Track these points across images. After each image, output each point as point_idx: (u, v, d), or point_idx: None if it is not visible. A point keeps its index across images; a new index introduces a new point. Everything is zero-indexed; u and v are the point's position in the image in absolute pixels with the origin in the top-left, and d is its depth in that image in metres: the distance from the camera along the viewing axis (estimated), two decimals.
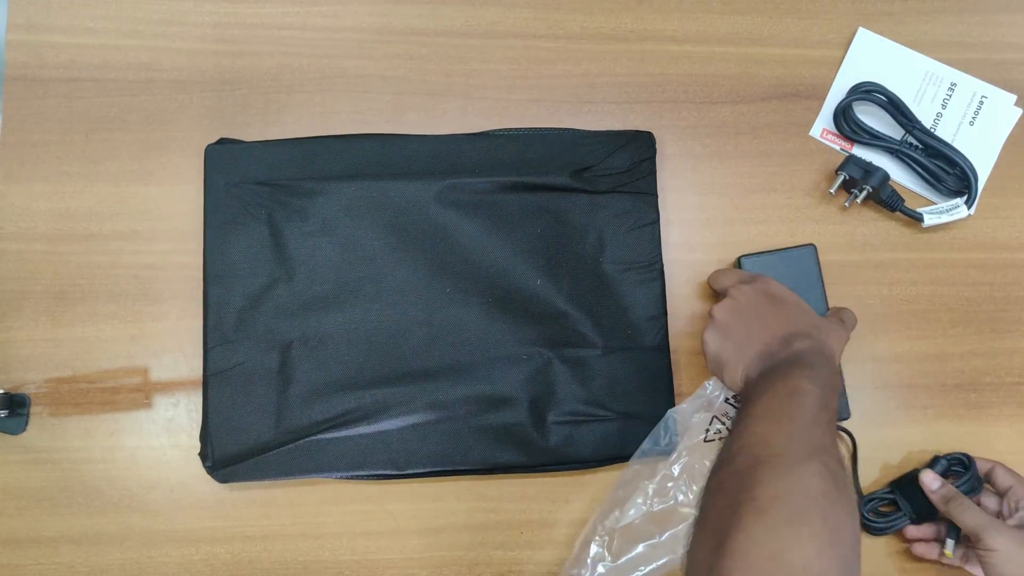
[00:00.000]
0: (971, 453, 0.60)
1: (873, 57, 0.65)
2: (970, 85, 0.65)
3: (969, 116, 0.64)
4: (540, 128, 0.62)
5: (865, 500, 0.59)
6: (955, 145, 0.63)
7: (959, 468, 0.58)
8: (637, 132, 0.62)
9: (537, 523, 0.59)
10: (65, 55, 0.62)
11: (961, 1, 0.67)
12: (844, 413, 0.58)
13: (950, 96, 0.64)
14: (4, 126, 0.61)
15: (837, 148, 0.64)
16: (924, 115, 0.64)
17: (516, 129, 0.62)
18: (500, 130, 0.62)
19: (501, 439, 0.57)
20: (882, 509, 0.59)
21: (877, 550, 0.60)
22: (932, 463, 0.58)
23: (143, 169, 0.61)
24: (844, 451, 0.60)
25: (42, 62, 0.62)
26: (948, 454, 0.58)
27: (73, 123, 0.62)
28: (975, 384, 0.62)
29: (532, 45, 0.65)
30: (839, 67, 0.65)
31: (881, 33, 0.66)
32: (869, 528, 0.59)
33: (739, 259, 0.60)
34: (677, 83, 0.65)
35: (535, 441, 0.57)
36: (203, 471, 0.57)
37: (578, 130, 0.62)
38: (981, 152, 0.64)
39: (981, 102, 0.65)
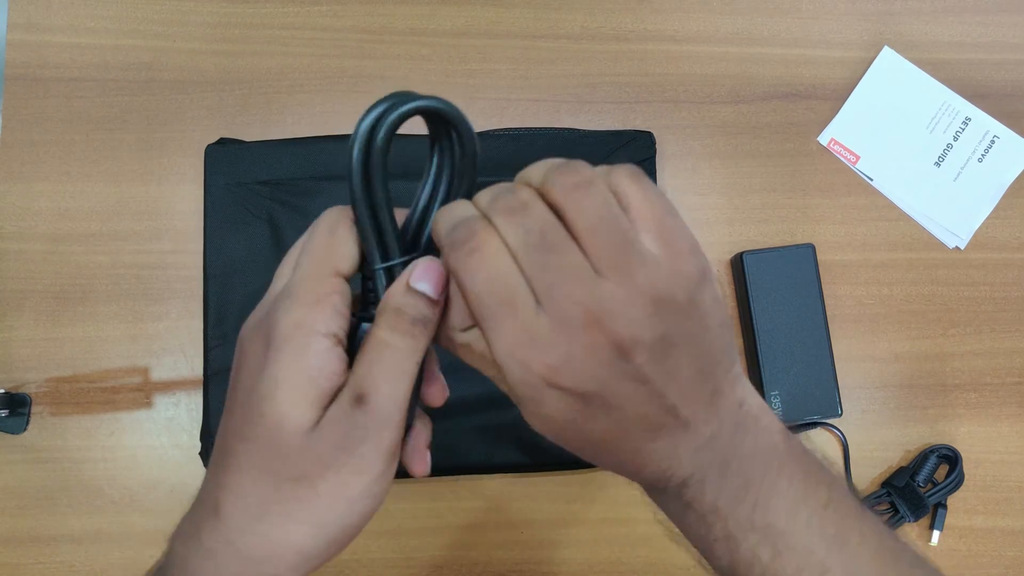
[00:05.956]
0: (971, 453, 0.60)
1: (893, 78, 0.65)
2: (984, 123, 0.65)
3: (979, 153, 0.64)
4: (540, 128, 0.62)
5: (862, 503, 0.59)
6: (960, 180, 0.63)
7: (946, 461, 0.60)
8: (637, 132, 0.62)
9: (537, 523, 0.59)
10: (65, 55, 0.62)
11: (961, 1, 0.67)
12: (835, 411, 0.58)
13: (963, 130, 0.64)
14: (4, 126, 0.61)
15: (843, 160, 0.64)
16: (935, 145, 0.64)
17: (516, 129, 0.62)
18: (500, 130, 0.62)
19: (501, 439, 0.57)
20: (879, 509, 0.60)
21: None
22: (924, 458, 0.59)
23: (143, 169, 0.61)
24: (837, 449, 0.60)
25: (42, 62, 0.62)
26: (938, 445, 0.60)
27: (73, 123, 0.62)
28: (975, 384, 0.62)
29: (532, 45, 0.65)
30: (846, 72, 0.65)
31: (881, 33, 0.66)
32: None
33: (741, 255, 0.60)
34: (677, 83, 0.65)
35: (535, 441, 0.57)
36: (204, 471, 0.56)
37: (578, 130, 0.62)
38: (983, 191, 0.64)
39: (992, 141, 0.64)
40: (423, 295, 0.29)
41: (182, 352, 0.60)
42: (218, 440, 0.31)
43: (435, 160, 0.31)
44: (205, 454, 0.56)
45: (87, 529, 0.57)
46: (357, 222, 0.30)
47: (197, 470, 0.57)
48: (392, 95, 0.29)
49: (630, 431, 0.28)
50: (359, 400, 0.28)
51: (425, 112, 0.29)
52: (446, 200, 0.31)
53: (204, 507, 0.30)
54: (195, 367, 0.59)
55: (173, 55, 0.63)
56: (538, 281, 0.27)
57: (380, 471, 0.29)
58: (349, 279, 0.30)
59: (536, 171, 0.30)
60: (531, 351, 0.26)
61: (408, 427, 0.32)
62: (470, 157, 0.31)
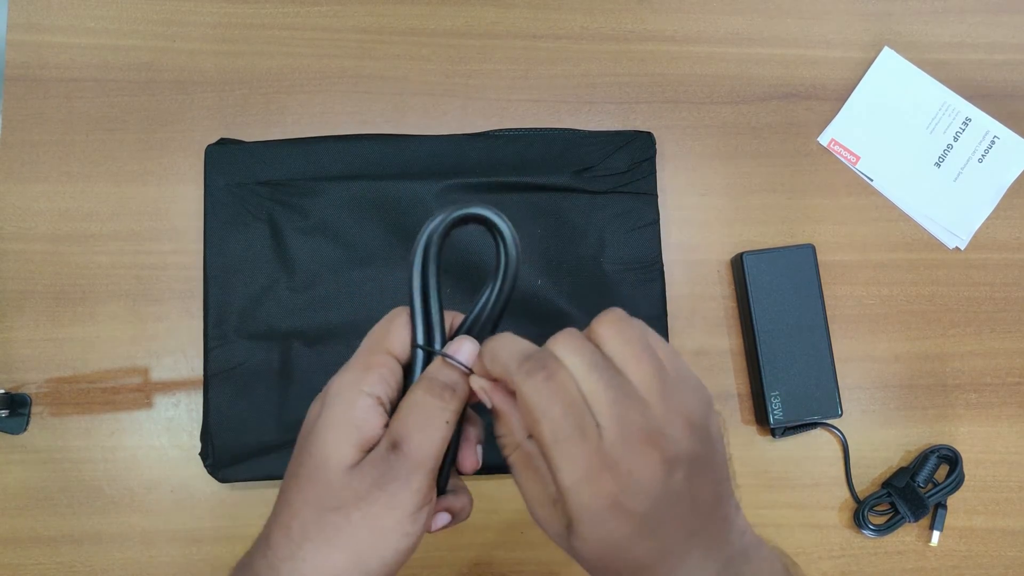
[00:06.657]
0: (971, 454, 0.60)
1: (893, 78, 0.65)
2: (984, 123, 0.65)
3: (979, 153, 0.64)
4: (540, 128, 0.62)
5: (862, 503, 0.59)
6: (960, 180, 0.63)
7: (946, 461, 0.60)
8: (637, 132, 0.62)
9: None
10: (65, 55, 0.62)
11: (961, 1, 0.67)
12: (835, 412, 0.58)
13: (963, 130, 0.64)
14: (4, 126, 0.62)
15: (844, 160, 0.64)
16: (935, 145, 0.64)
17: (516, 129, 0.62)
18: (500, 130, 0.62)
19: None
20: (879, 509, 0.60)
21: (878, 551, 0.60)
22: (924, 458, 0.59)
23: (143, 169, 0.62)
24: (838, 449, 0.60)
25: (42, 62, 0.62)
26: (938, 445, 0.60)
27: (73, 123, 0.62)
28: (975, 384, 0.62)
29: (532, 45, 0.65)
30: (846, 72, 0.65)
31: (881, 34, 0.66)
32: (869, 531, 0.59)
33: (741, 255, 0.60)
34: (677, 83, 0.65)
35: None
36: (204, 471, 0.57)
37: (578, 130, 0.62)
38: (984, 191, 0.64)
39: (993, 142, 0.64)
40: (456, 368, 0.34)
41: (182, 352, 0.60)
42: (280, 487, 0.35)
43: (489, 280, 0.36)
44: (205, 454, 0.56)
45: (87, 529, 0.57)
46: (411, 307, 0.36)
47: (197, 470, 0.57)
48: (457, 208, 0.35)
49: (666, 552, 0.30)
50: (394, 446, 0.33)
51: (478, 220, 0.35)
52: (486, 305, 0.36)
53: (259, 540, 0.34)
54: (195, 367, 0.59)
55: (173, 55, 0.63)
56: (603, 404, 0.30)
57: (411, 510, 0.33)
58: (403, 363, 0.36)
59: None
60: (603, 474, 0.29)
61: (443, 483, 0.37)
62: (510, 277, 0.36)
